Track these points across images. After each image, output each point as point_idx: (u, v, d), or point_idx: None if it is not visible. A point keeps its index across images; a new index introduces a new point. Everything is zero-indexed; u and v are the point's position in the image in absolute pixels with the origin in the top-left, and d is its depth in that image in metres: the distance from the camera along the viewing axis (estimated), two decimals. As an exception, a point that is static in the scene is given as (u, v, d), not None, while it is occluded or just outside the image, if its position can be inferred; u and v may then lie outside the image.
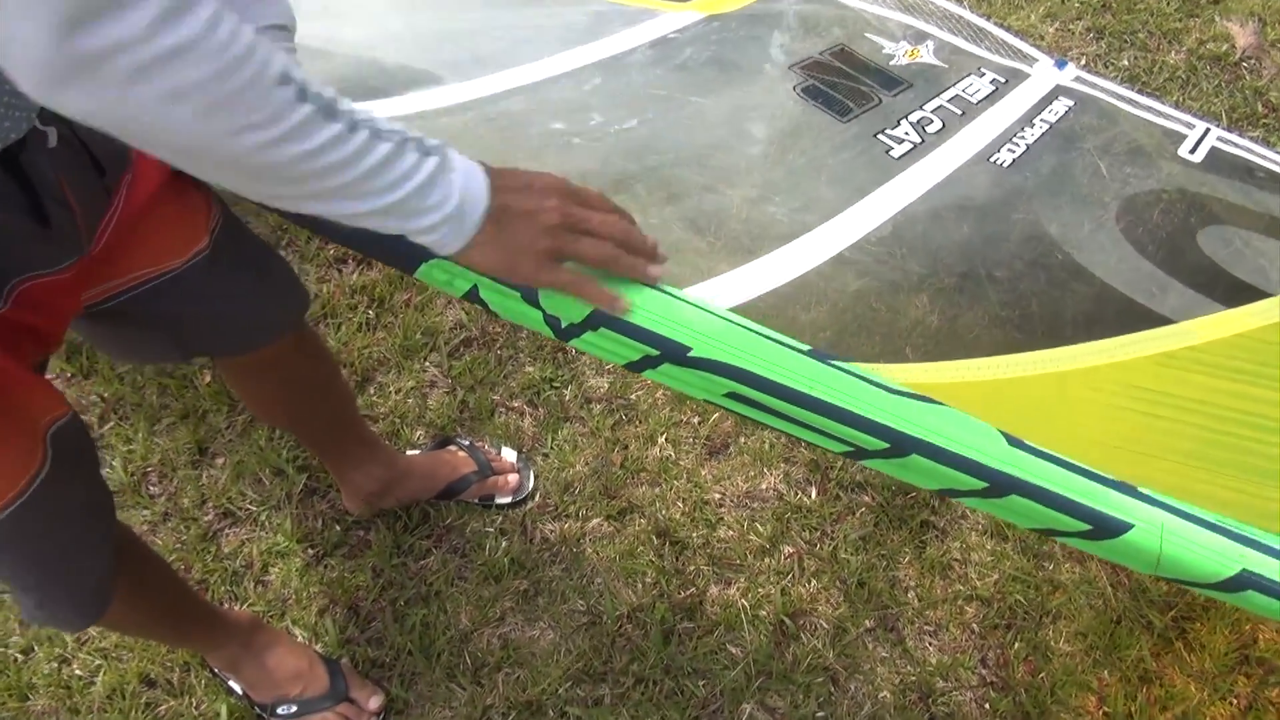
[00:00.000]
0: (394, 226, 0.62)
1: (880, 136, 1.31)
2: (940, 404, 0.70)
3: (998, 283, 1.19)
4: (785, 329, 1.06)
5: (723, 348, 0.71)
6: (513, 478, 1.43)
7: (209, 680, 1.26)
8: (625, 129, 1.35)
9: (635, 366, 0.74)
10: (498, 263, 0.68)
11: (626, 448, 1.49)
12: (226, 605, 1.33)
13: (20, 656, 1.28)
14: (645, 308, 0.72)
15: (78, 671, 1.27)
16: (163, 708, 1.25)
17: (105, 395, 1.54)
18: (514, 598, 1.33)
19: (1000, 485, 0.66)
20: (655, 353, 0.72)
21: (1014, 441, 0.67)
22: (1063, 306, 1.18)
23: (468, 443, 1.46)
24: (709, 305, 0.74)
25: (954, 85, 1.41)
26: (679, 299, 0.73)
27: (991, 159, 1.29)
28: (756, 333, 0.72)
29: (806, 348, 0.72)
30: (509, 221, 0.66)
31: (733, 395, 0.72)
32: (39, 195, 0.68)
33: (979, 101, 1.39)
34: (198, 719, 1.24)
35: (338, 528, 1.41)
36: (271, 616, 1.33)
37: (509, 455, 1.47)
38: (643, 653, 1.28)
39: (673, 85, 1.46)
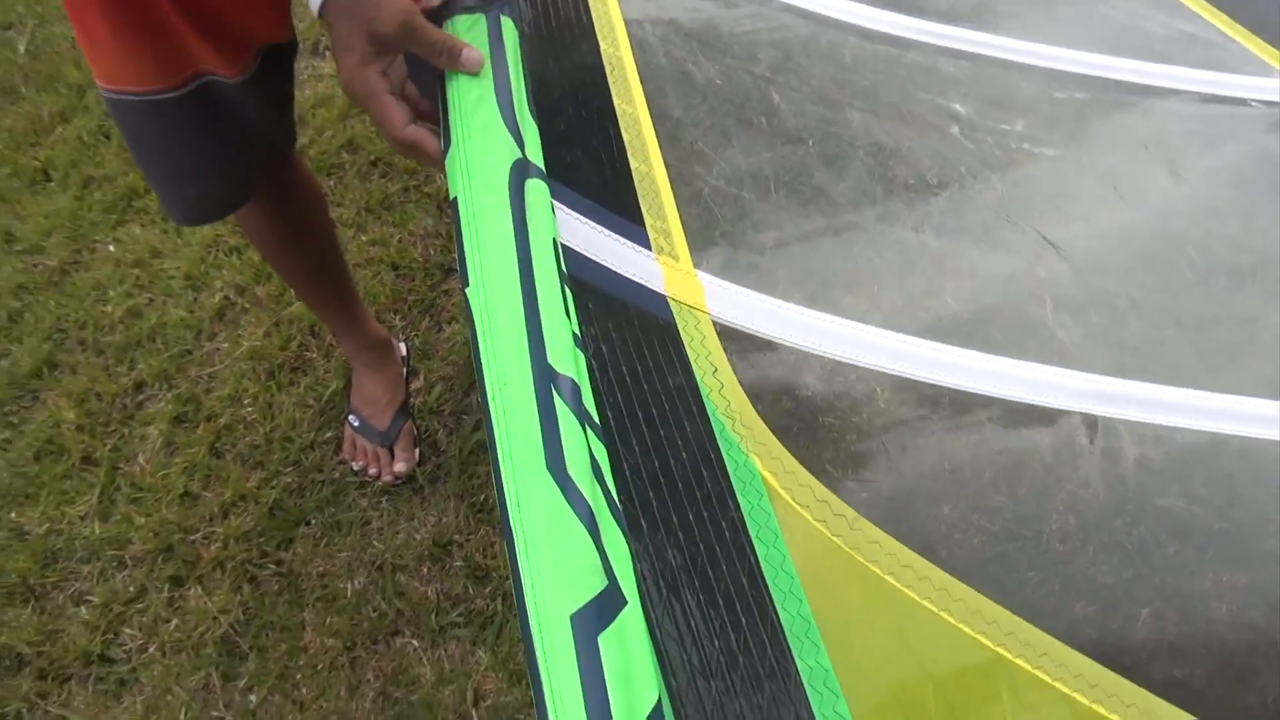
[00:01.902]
0: None
1: None
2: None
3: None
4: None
5: (479, 306, 0.57)
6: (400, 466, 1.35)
7: (346, 363, 1.45)
8: (1032, 151, 1.07)
9: None
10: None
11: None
12: (385, 320, 1.49)
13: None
14: (478, 230, 0.60)
15: (290, 295, 1.54)
16: (309, 354, 1.48)
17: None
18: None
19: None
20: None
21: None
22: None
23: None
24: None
25: None
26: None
27: None
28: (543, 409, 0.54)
29: (562, 370, 0.55)
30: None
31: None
32: None
33: None
34: (318, 378, 1.45)
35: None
36: (416, 357, 1.46)
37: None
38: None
39: (1165, 147, 1.10)
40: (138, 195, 1.70)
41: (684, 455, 0.66)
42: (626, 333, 0.70)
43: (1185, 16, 1.35)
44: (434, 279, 1.55)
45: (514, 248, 0.61)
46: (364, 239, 1.61)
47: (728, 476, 0.65)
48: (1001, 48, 1.22)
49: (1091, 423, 0.81)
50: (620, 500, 0.57)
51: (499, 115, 0.62)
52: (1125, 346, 0.89)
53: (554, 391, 0.56)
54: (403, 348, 1.45)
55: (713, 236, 0.84)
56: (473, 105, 0.62)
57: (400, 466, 1.32)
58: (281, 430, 1.39)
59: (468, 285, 0.60)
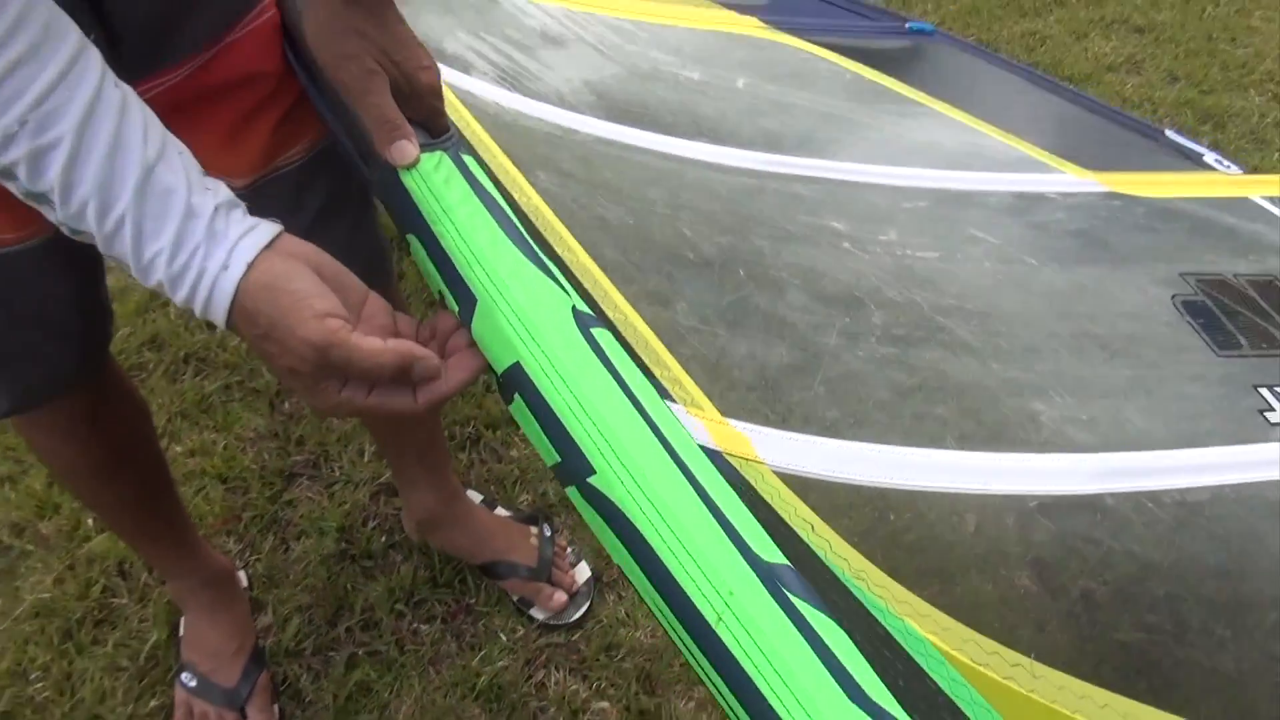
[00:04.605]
0: None
1: (1262, 390, 0.93)
2: None
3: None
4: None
5: (630, 491, 0.45)
6: (560, 597, 1.16)
7: (170, 605, 1.16)
8: (916, 256, 1.07)
9: (558, 475, 0.50)
10: None
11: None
12: (216, 544, 1.23)
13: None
14: (579, 396, 0.47)
15: (89, 522, 1.24)
16: (116, 599, 1.17)
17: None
18: (463, 728, 1.07)
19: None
20: (558, 459, 0.48)
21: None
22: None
23: (549, 533, 1.23)
24: (676, 430, 0.48)
25: None
26: (628, 397, 0.48)
27: None
28: (709, 505, 0.45)
29: (773, 558, 0.43)
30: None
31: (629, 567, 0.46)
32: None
33: None
34: (132, 630, 1.15)
35: (382, 539, 1.25)
36: (260, 586, 1.20)
37: (582, 573, 1.21)
38: None
39: (1012, 239, 1.15)
40: None
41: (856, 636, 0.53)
42: None
43: (968, 131, 1.44)
44: (273, 488, 1.30)
45: (641, 420, 0.47)
46: (179, 449, 1.34)
47: (905, 652, 0.52)
48: (840, 170, 1.24)
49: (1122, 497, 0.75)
50: None
51: (522, 255, 0.48)
52: (1095, 419, 0.86)
53: (783, 590, 0.43)
54: (244, 578, 1.19)
55: (719, 379, 0.72)
56: (486, 248, 0.47)
57: (256, 730, 1.04)
58: (86, 707, 1.07)
59: (593, 474, 0.46)
